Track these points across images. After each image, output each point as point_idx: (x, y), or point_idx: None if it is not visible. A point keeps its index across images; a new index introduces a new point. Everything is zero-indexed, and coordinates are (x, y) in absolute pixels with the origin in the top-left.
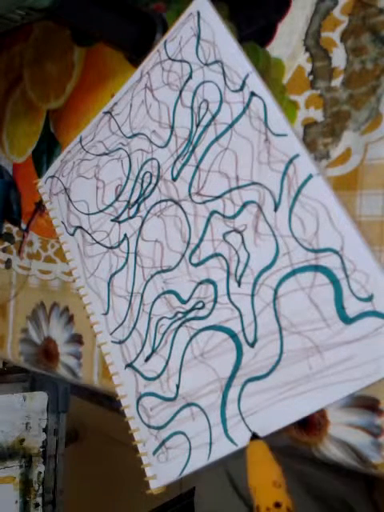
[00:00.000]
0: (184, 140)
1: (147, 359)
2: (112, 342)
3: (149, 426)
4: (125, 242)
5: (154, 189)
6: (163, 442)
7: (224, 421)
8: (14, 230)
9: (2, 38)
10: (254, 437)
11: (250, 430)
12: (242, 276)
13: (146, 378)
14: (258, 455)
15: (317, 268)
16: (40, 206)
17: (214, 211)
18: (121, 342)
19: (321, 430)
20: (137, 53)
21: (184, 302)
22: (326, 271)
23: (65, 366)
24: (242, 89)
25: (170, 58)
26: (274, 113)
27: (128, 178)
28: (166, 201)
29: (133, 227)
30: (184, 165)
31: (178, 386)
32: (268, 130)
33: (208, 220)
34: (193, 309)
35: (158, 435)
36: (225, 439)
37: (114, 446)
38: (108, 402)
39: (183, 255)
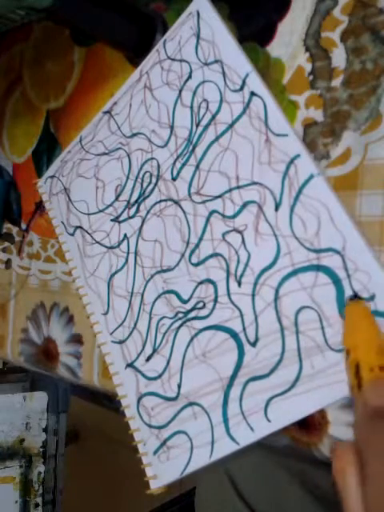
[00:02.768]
0: (184, 140)
1: (148, 359)
2: (112, 341)
3: (150, 426)
4: (125, 241)
5: (153, 188)
6: (164, 442)
7: (226, 420)
8: (14, 230)
9: (2, 38)
10: (355, 297)
11: (252, 430)
12: (242, 276)
13: (147, 378)
14: (361, 315)
15: (319, 268)
16: (40, 206)
17: (213, 211)
18: (121, 342)
19: (321, 429)
20: (137, 53)
21: (184, 302)
22: (327, 271)
23: (65, 366)
24: (241, 89)
25: (169, 58)
26: (274, 113)
27: (128, 177)
28: (165, 200)
29: (133, 227)
30: (184, 164)
31: (179, 386)
32: (268, 130)
33: (207, 220)
34: (193, 308)
35: (159, 435)
36: (227, 438)
37: (114, 445)
38: (108, 401)
39: (183, 255)
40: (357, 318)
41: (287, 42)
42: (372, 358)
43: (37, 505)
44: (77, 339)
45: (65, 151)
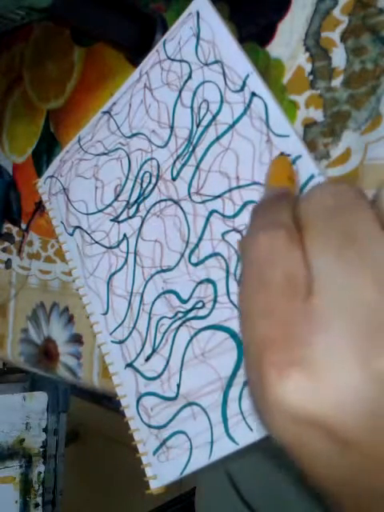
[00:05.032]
0: (184, 140)
1: (148, 359)
2: (112, 341)
3: (149, 426)
4: (124, 241)
5: (153, 188)
6: (164, 442)
7: (225, 420)
8: (14, 230)
9: (2, 38)
10: (282, 154)
11: (251, 429)
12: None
13: (146, 378)
14: (279, 161)
15: None
16: (40, 206)
17: (213, 211)
18: (121, 342)
19: None
20: (137, 53)
21: (184, 302)
22: None
23: (65, 366)
24: (242, 89)
25: (169, 58)
26: (275, 113)
27: (127, 177)
28: (165, 200)
29: (132, 227)
30: (184, 165)
31: (178, 386)
32: (269, 130)
33: (207, 219)
34: (193, 308)
35: (158, 435)
36: (226, 438)
37: (114, 446)
38: (108, 401)
39: (183, 255)
40: (277, 164)
41: (287, 42)
42: (282, 182)
43: (37, 505)
44: (77, 339)
45: (63, 151)
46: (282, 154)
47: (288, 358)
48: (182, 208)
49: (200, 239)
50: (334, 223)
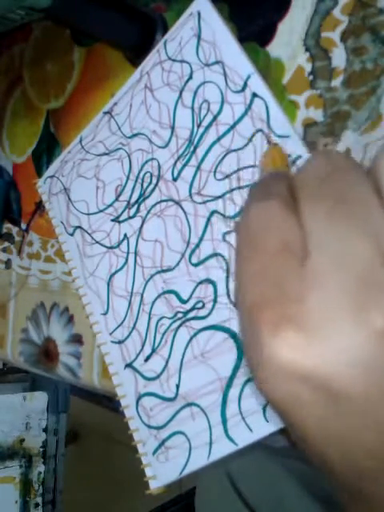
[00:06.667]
0: (185, 140)
1: (147, 359)
2: (111, 341)
3: (148, 426)
4: (125, 241)
5: (154, 189)
6: (163, 442)
7: (224, 421)
8: (14, 230)
9: (2, 38)
10: (275, 144)
11: (251, 430)
12: None
13: (145, 378)
14: (273, 150)
15: None
16: (40, 206)
17: (214, 211)
18: (120, 342)
19: None
20: (137, 53)
21: (184, 302)
22: None
23: (65, 366)
24: (243, 90)
25: (169, 59)
26: (276, 114)
27: (128, 178)
28: (166, 201)
29: (133, 227)
30: (185, 165)
31: (178, 386)
32: (270, 131)
33: (208, 220)
34: (193, 308)
35: (157, 435)
36: (225, 439)
37: (114, 445)
38: (108, 401)
39: (183, 255)
40: (270, 152)
41: (287, 41)
42: (277, 167)
43: (37, 505)
44: (77, 339)
45: (65, 151)
46: (275, 144)
47: (281, 315)
48: (182, 208)
49: (201, 239)
50: (327, 187)
